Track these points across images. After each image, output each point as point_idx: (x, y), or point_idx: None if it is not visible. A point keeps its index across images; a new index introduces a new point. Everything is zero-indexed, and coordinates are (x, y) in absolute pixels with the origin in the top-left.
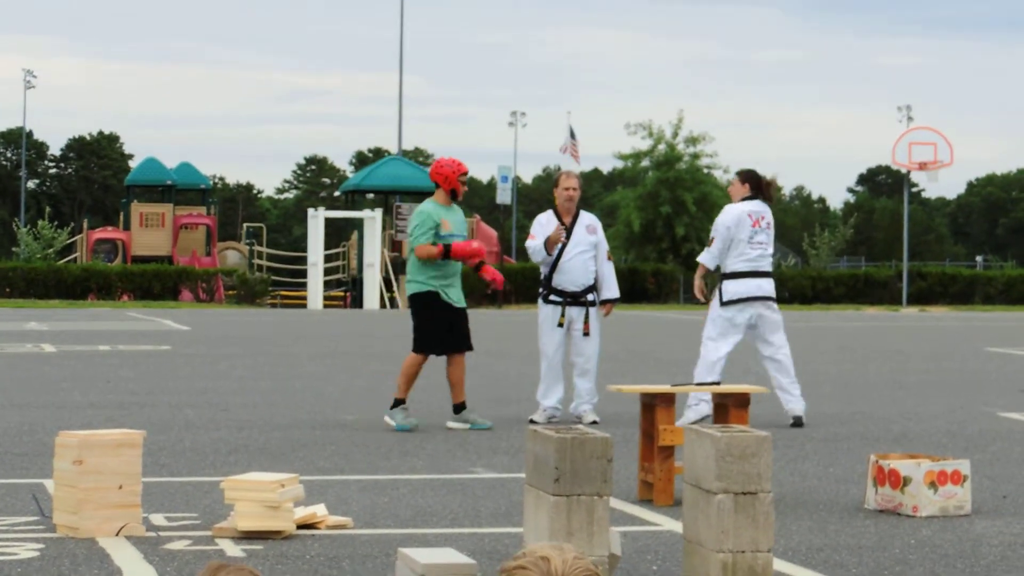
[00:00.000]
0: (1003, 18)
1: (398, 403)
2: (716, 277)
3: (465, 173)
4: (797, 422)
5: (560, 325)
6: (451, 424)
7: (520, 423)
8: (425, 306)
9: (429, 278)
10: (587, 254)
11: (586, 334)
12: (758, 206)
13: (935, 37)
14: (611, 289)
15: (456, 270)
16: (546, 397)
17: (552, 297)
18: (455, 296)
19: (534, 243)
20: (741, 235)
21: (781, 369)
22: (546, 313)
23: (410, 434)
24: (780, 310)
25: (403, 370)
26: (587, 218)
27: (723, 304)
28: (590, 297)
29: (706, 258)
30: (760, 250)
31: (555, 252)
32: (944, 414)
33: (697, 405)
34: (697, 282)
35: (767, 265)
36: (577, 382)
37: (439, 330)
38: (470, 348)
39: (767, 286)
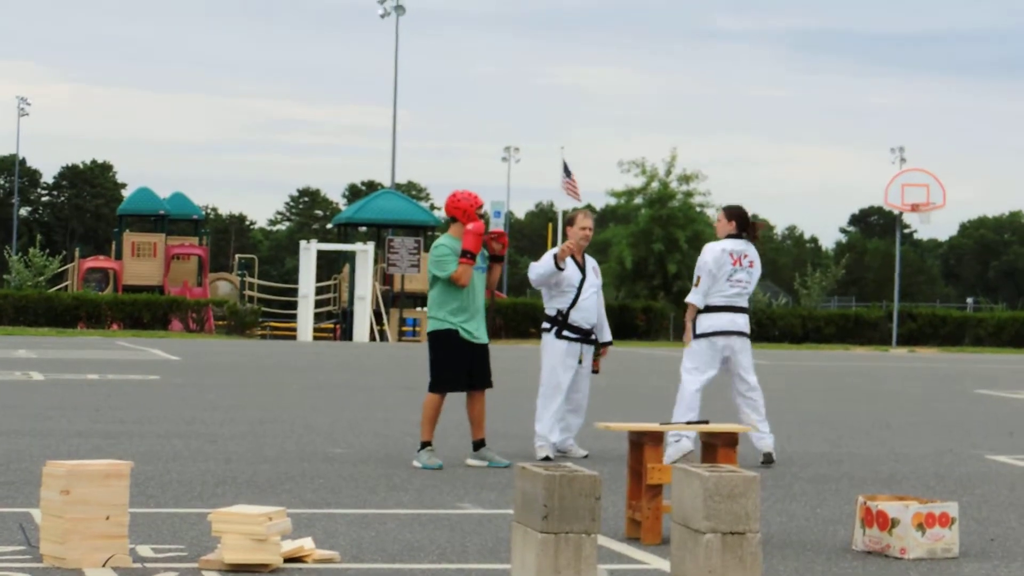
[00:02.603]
0: (996, 61)
1: (424, 445)
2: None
3: (481, 206)
4: (768, 459)
5: (580, 362)
6: (470, 461)
7: (508, 457)
8: (442, 343)
9: (448, 314)
10: (597, 295)
11: (595, 371)
12: (740, 244)
13: (927, 79)
14: (607, 332)
15: (478, 304)
16: (552, 432)
17: (567, 333)
18: (475, 331)
19: (540, 261)
20: (721, 272)
21: (754, 408)
22: (562, 348)
23: (397, 468)
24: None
25: (423, 411)
26: (593, 262)
27: (696, 336)
28: (593, 336)
29: (695, 298)
30: (738, 288)
31: (564, 266)
32: (932, 456)
33: (678, 442)
34: (687, 324)
35: (743, 302)
36: (570, 417)
37: (456, 368)
38: (489, 385)
39: (741, 321)
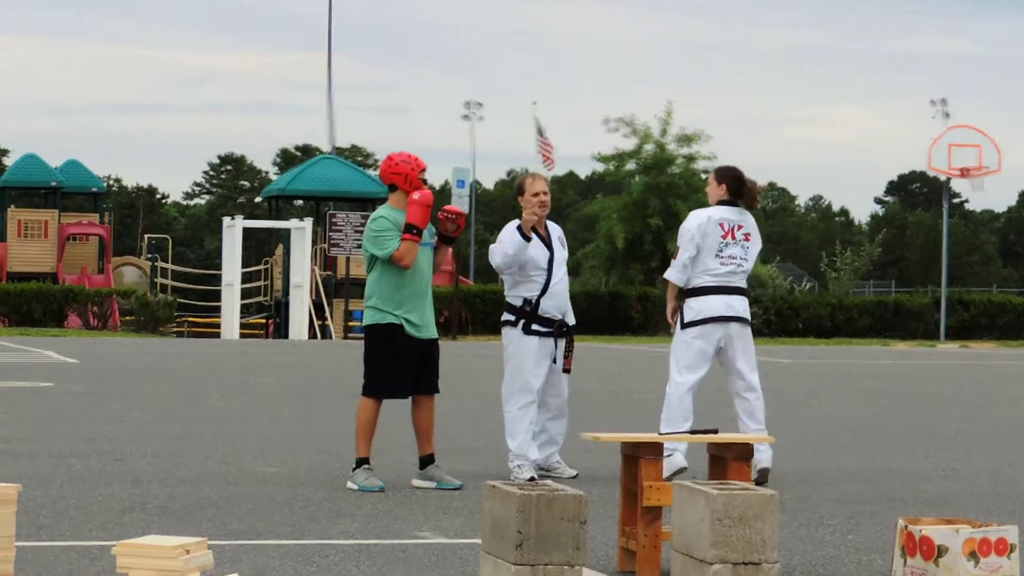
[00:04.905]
0: None
1: (360, 463)
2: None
3: (424, 169)
4: (763, 475)
5: (555, 361)
6: (416, 482)
7: (476, 477)
8: (381, 339)
9: (388, 304)
10: (565, 272)
11: (567, 370)
12: (733, 213)
13: (979, 18)
14: (571, 314)
15: (423, 289)
16: (531, 448)
17: (536, 327)
18: (420, 322)
19: (504, 239)
20: (707, 245)
21: (750, 413)
22: (533, 345)
23: (342, 491)
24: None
25: (357, 422)
26: (556, 229)
27: (684, 326)
28: (565, 328)
29: (672, 273)
30: (732, 266)
31: (531, 236)
32: (988, 471)
33: (670, 456)
34: (670, 304)
35: (740, 282)
36: (551, 426)
37: (395, 369)
38: (435, 390)
39: (738, 304)
